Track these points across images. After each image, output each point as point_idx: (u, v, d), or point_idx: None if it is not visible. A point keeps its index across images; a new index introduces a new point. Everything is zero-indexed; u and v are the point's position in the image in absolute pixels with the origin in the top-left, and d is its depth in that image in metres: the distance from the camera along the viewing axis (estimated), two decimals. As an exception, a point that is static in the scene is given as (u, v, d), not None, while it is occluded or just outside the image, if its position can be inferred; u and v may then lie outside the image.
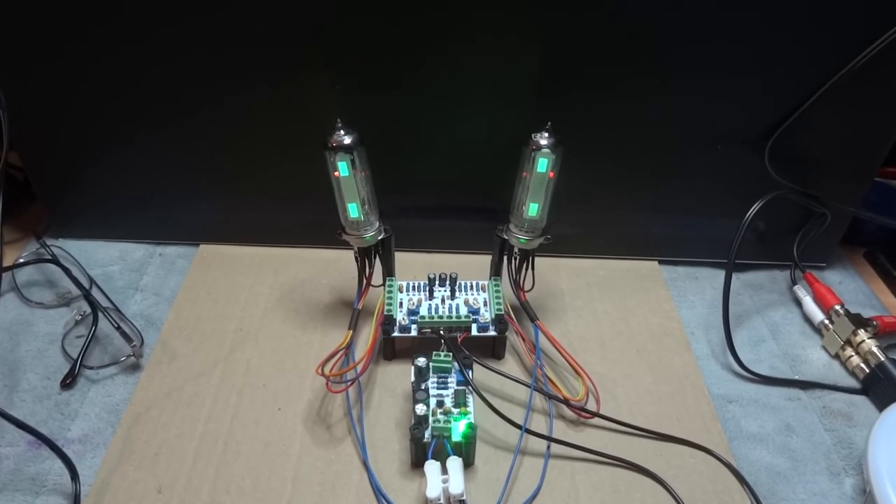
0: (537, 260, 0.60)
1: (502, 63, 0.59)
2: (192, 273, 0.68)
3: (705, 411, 0.56)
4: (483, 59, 0.59)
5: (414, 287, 0.61)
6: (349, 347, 0.57)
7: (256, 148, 0.65)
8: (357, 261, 0.60)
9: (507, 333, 0.58)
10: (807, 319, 0.67)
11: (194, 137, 0.65)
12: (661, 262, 0.73)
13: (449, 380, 0.53)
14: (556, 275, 0.70)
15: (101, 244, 0.72)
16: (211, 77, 0.60)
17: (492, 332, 0.58)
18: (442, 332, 0.57)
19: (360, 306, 0.60)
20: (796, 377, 0.61)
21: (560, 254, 0.71)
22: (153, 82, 0.61)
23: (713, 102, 0.61)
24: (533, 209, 0.56)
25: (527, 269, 0.60)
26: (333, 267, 0.70)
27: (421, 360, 0.52)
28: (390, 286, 0.60)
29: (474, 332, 0.58)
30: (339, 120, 0.53)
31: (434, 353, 0.53)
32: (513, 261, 0.61)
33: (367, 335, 0.59)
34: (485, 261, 0.62)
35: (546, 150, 0.53)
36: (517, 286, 0.61)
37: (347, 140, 0.53)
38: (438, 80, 0.60)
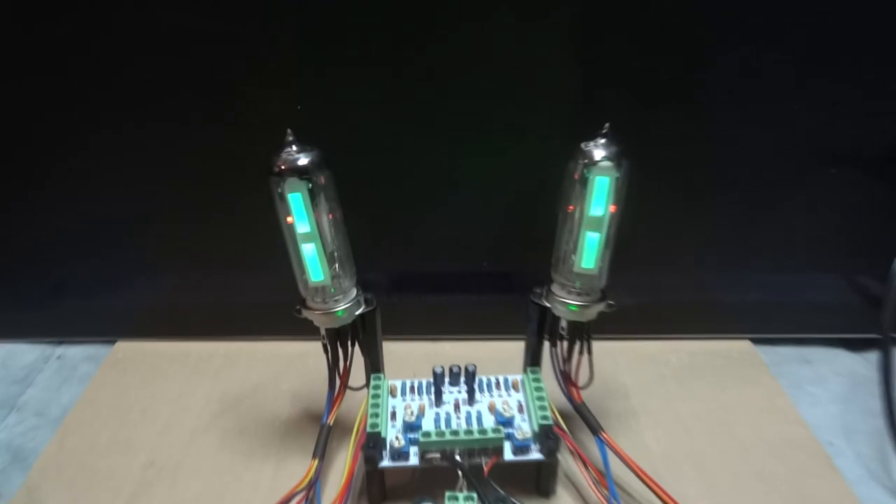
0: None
1: (533, 69, 0.43)
2: (96, 381, 0.49)
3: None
4: (506, 63, 0.43)
5: (413, 388, 0.42)
6: (313, 486, 0.37)
7: (192, 204, 0.48)
8: (326, 351, 0.40)
9: (558, 454, 0.37)
10: None
11: (108, 196, 0.48)
12: (754, 342, 0.52)
13: (474, 541, 0.32)
14: (612, 363, 0.50)
15: (-22, 347, 0.52)
16: (125, 111, 0.44)
17: (536, 454, 0.37)
18: (458, 457, 0.36)
19: (330, 421, 0.40)
20: None
21: (614, 334, 0.51)
22: (49, 126, 0.45)
23: (822, 110, 0.43)
24: (588, 257, 0.37)
25: (581, 353, 0.40)
26: (299, 365, 0.50)
27: (426, 510, 0.31)
28: (376, 387, 0.40)
29: (508, 454, 0.37)
30: (288, 131, 0.35)
31: (448, 493, 0.33)
32: (558, 342, 0.41)
33: (343, 466, 0.39)
34: (512, 349, 0.44)
35: (605, 165, 0.35)
36: (567, 380, 0.41)
37: (303, 160, 0.35)
38: (444, 97, 0.44)
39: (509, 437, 0.38)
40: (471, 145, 0.46)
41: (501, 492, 0.34)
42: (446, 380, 0.42)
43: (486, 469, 0.37)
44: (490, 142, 0.46)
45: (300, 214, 0.36)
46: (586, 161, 0.36)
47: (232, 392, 0.48)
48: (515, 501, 0.34)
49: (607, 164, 0.35)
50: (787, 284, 0.51)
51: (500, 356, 0.47)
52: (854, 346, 0.53)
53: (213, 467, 0.42)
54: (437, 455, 0.37)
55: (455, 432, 0.37)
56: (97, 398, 0.47)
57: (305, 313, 0.39)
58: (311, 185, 0.35)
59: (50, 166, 0.46)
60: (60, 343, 0.53)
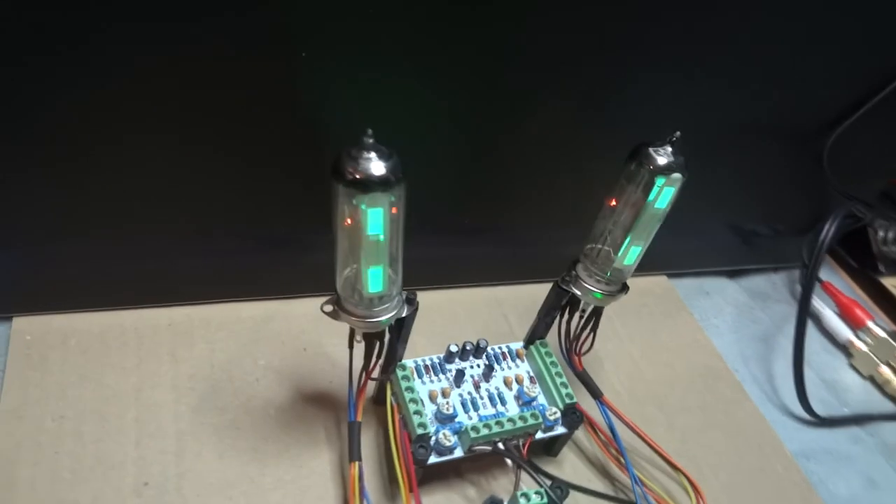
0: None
1: None
2: (11, 378, 0.38)
3: (802, 486, 0.46)
4: None
5: (427, 368, 0.41)
6: (363, 493, 0.35)
7: (112, 106, 0.35)
8: (352, 347, 0.36)
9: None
10: (825, 333, 0.60)
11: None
12: (669, 276, 0.60)
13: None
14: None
15: None
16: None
17: (560, 430, 0.40)
18: (500, 444, 0.38)
19: (359, 417, 0.38)
20: (845, 411, 0.54)
21: (546, 277, 0.53)
22: None
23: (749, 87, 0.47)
24: (633, 256, 0.38)
25: (591, 330, 0.43)
26: (267, 334, 0.45)
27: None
28: (405, 377, 0.39)
29: (538, 434, 0.39)
30: (369, 132, 0.29)
31: (520, 493, 0.35)
32: (571, 319, 0.43)
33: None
34: (479, 296, 0.49)
35: (676, 176, 0.35)
36: (571, 352, 0.44)
37: (384, 167, 0.29)
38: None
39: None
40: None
41: (551, 477, 0.37)
42: (460, 356, 0.42)
43: (524, 450, 0.39)
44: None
45: (376, 230, 0.30)
46: (650, 167, 0.35)
47: (202, 376, 0.41)
48: (570, 484, 0.37)
49: (678, 176, 0.35)
50: (697, 228, 0.57)
51: (457, 303, 0.50)
52: (733, 274, 0.63)
53: (224, 478, 0.36)
54: (488, 448, 0.38)
55: (500, 423, 0.38)
56: (25, 403, 0.37)
57: (344, 318, 0.34)
58: (392, 199, 0.30)
59: None
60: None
